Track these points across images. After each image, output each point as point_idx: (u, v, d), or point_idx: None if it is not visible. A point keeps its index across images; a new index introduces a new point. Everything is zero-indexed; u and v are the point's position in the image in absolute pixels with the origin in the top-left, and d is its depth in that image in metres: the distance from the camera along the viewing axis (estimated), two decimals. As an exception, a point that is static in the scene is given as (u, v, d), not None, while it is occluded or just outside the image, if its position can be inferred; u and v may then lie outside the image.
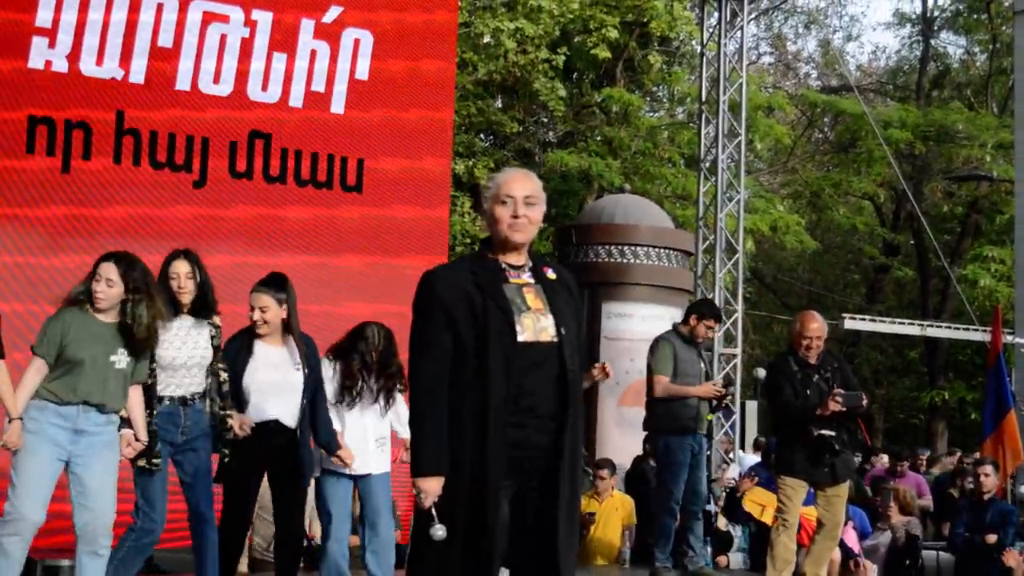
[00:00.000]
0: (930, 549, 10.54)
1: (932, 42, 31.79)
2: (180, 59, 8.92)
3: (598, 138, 23.01)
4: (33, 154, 8.33)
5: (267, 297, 6.35)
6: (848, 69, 31.68)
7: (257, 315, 6.35)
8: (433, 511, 3.94)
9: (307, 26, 9.43)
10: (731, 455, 13.21)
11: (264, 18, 9.25)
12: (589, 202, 20.94)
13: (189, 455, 6.18)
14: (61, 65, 8.48)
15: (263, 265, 8.72)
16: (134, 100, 8.74)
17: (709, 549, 10.15)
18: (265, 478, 6.63)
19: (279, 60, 9.30)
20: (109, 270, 5.63)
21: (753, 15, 27.52)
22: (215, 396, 6.24)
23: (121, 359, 5.70)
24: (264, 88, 9.25)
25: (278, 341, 6.45)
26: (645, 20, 21.67)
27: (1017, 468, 11.88)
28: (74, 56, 8.51)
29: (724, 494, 11.63)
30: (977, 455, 12.18)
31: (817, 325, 7.89)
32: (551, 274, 4.23)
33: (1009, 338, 15.21)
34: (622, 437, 13.20)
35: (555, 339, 4.06)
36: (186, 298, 6.16)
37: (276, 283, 6.44)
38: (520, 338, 4.00)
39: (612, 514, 10.22)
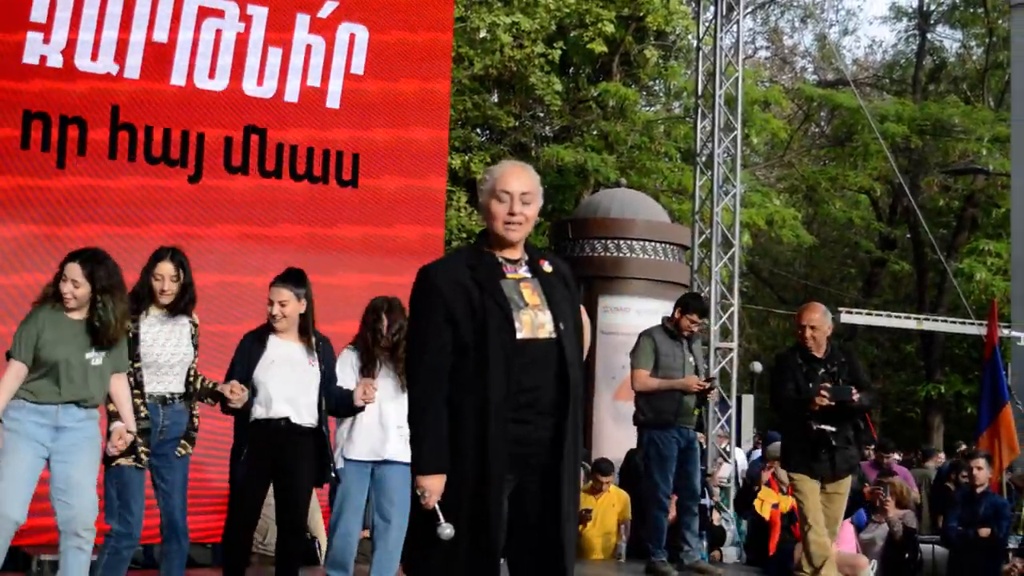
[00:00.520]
0: (926, 543, 10.57)
1: (928, 36, 31.84)
2: (175, 54, 8.90)
3: (594, 132, 23.02)
4: (28, 150, 8.32)
5: (287, 291, 6.32)
6: (844, 63, 31.72)
7: (276, 309, 6.32)
8: (437, 510, 3.92)
9: (302, 21, 9.43)
10: (727, 449, 13.22)
11: (259, 13, 9.24)
12: (585, 196, 20.95)
13: (165, 460, 6.12)
14: (56, 60, 8.47)
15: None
16: (129, 95, 8.73)
17: (705, 543, 10.16)
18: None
19: (274, 55, 9.30)
20: (74, 271, 5.61)
21: (749, 9, 27.50)
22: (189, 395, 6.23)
23: (96, 355, 5.68)
24: (259, 83, 9.25)
25: (294, 336, 6.41)
26: (641, 14, 21.69)
27: (1013, 462, 11.91)
28: (69, 51, 8.50)
29: (738, 486, 11.63)
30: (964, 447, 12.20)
31: (816, 315, 7.76)
32: (547, 267, 4.21)
33: (1005, 332, 15.24)
34: (617, 430, 13.20)
35: (553, 335, 4.05)
36: (167, 299, 6.12)
37: (296, 278, 6.40)
38: (519, 335, 3.99)
39: (608, 510, 10.24)
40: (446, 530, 3.89)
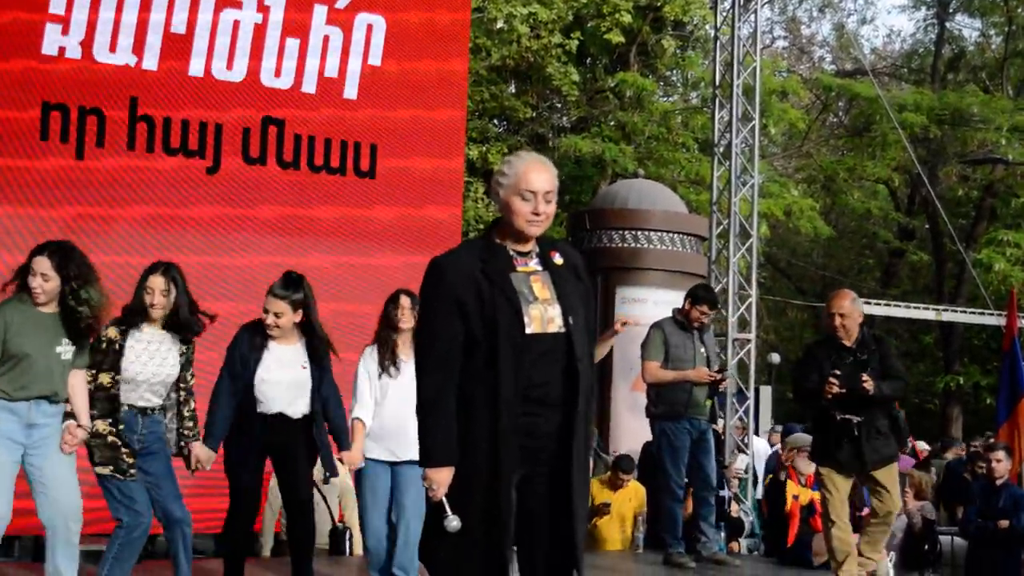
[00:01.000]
0: (944, 534, 10.53)
1: (947, 25, 31.68)
2: (193, 45, 8.93)
3: (611, 123, 22.97)
4: (47, 141, 8.35)
5: (283, 304, 6.31)
6: (862, 52, 31.58)
7: (271, 320, 6.32)
8: (445, 502, 3.93)
9: (320, 11, 9.43)
10: (745, 441, 13.19)
11: (277, 3, 9.25)
12: (602, 187, 20.91)
13: (148, 459, 6.10)
14: (74, 52, 8.49)
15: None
16: (147, 87, 8.75)
17: (723, 535, 10.15)
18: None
19: (292, 46, 9.31)
20: (42, 264, 5.55)
21: (767, -1, 27.43)
22: (177, 414, 6.23)
23: (66, 349, 5.65)
24: (277, 74, 9.26)
25: (290, 340, 6.42)
26: (659, 4, 21.64)
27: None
28: (87, 43, 8.53)
29: (767, 480, 11.57)
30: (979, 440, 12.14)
31: (845, 303, 7.59)
32: (558, 259, 4.19)
33: (1024, 322, 15.14)
34: (635, 422, 13.17)
35: (562, 329, 4.04)
36: (157, 313, 6.07)
37: (292, 286, 6.38)
38: (528, 330, 3.99)
39: (625, 503, 10.23)
40: (453, 522, 3.90)
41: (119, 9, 8.62)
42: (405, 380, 6.54)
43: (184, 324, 6.15)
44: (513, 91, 22.74)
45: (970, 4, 30.87)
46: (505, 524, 3.94)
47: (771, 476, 11.14)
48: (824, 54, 35.42)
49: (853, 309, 7.61)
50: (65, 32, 8.44)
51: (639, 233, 14.78)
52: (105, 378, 5.97)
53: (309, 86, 9.38)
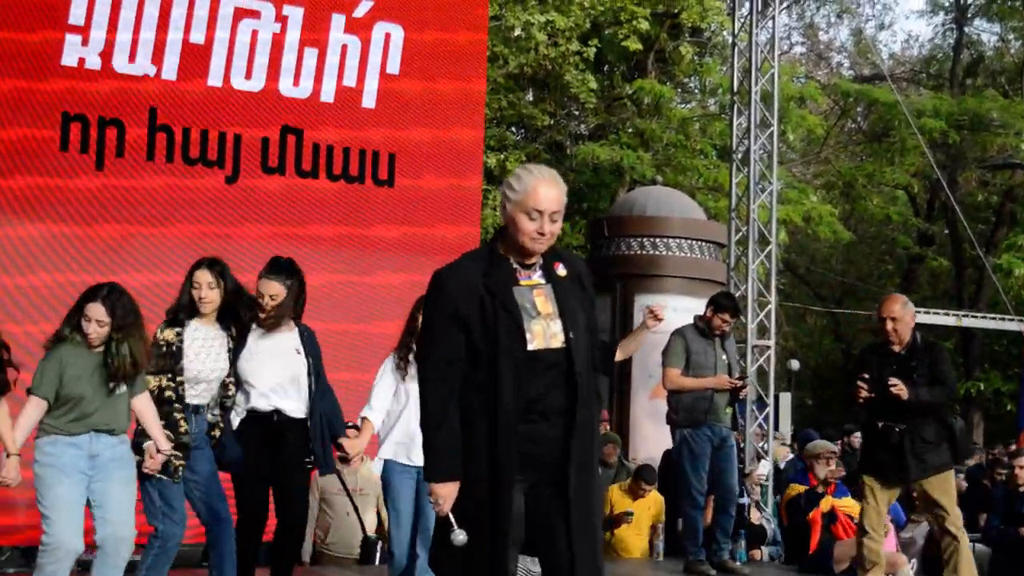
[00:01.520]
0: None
1: (966, 29, 31.56)
2: (212, 55, 8.96)
3: (629, 130, 22.94)
4: (67, 151, 8.39)
5: (278, 284, 6.29)
6: (881, 58, 31.51)
7: (267, 302, 6.28)
8: (450, 517, 3.96)
9: (338, 21, 9.46)
10: (765, 447, 13.15)
11: (295, 13, 9.29)
12: (621, 194, 20.90)
13: (195, 454, 6.12)
14: (94, 62, 8.53)
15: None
16: (166, 97, 8.78)
17: (743, 543, 10.11)
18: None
19: (310, 55, 9.33)
20: (98, 311, 5.64)
21: (785, 4, 27.26)
22: (216, 406, 6.24)
23: (120, 385, 5.74)
24: (296, 83, 9.29)
25: (279, 327, 6.35)
26: (676, 11, 21.61)
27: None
28: (107, 53, 8.57)
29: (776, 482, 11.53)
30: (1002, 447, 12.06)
31: (896, 306, 7.42)
32: (562, 271, 4.18)
33: (1045, 328, 15.08)
34: (655, 429, 13.16)
35: (564, 345, 4.04)
36: (208, 308, 6.11)
37: (287, 269, 6.36)
38: (530, 347, 3.98)
39: (644, 512, 10.22)
40: (459, 536, 3.92)
41: (138, 20, 8.65)
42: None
43: (236, 314, 6.17)
44: (531, 99, 22.74)
45: (988, 9, 30.76)
46: (506, 534, 3.94)
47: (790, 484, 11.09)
48: (842, 60, 35.38)
49: (904, 313, 7.43)
50: (85, 43, 8.48)
51: (658, 240, 14.78)
52: (164, 381, 6.02)
53: (327, 96, 9.39)
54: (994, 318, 22.57)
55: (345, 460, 6.71)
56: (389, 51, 9.66)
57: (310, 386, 6.36)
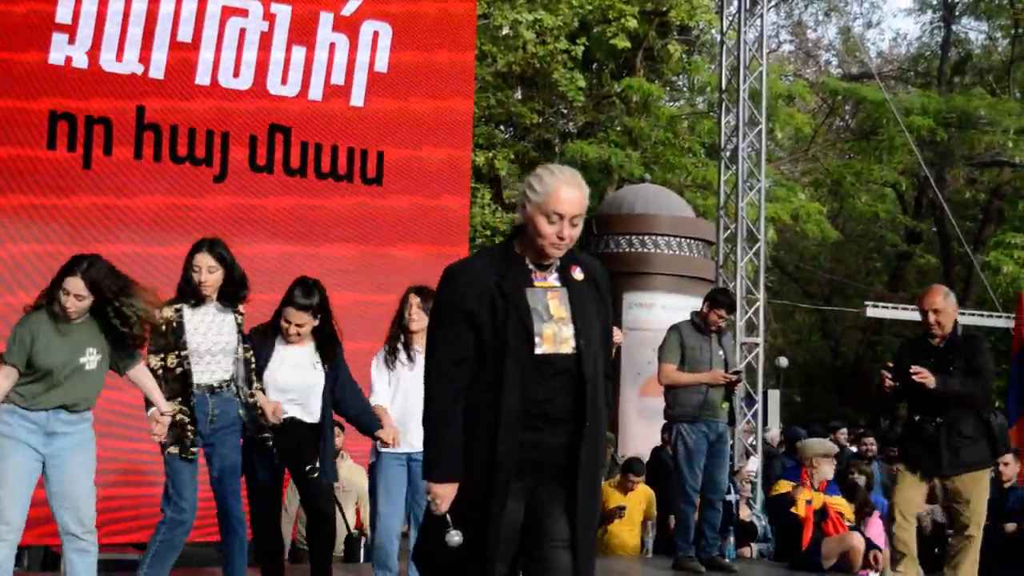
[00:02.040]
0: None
1: (953, 28, 31.66)
2: (200, 53, 8.93)
3: (618, 128, 22.97)
4: (54, 149, 8.37)
5: (306, 315, 6.31)
6: (869, 56, 31.59)
7: (293, 330, 6.33)
8: (448, 517, 3.90)
9: (326, 19, 9.44)
10: (754, 443, 13.18)
11: (283, 11, 9.26)
12: (609, 192, 20.93)
13: (218, 448, 6.12)
14: (81, 60, 8.51)
15: (299, 253, 8.96)
16: (154, 95, 8.76)
17: (732, 539, 10.13)
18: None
19: (298, 53, 9.32)
20: (76, 286, 5.55)
21: (773, 3, 27.37)
22: (242, 384, 6.21)
23: (91, 360, 5.67)
24: (284, 81, 9.27)
25: (303, 341, 6.43)
26: (664, 9, 21.64)
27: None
28: (94, 51, 8.54)
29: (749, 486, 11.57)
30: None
31: (938, 298, 7.18)
32: (578, 274, 4.08)
33: (1033, 324, 15.08)
34: (643, 426, 13.20)
35: (575, 351, 3.95)
36: (208, 290, 6.11)
37: (313, 294, 6.35)
38: (538, 350, 3.91)
39: (635, 507, 10.23)
40: (455, 537, 3.87)
41: (125, 19, 8.62)
42: (419, 371, 6.57)
43: (236, 294, 6.17)
44: (519, 97, 22.74)
45: (976, 7, 30.85)
46: (496, 537, 3.87)
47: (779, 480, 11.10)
48: (830, 58, 35.46)
49: (947, 304, 7.22)
50: (72, 41, 8.46)
51: (646, 238, 14.82)
52: (171, 359, 6.02)
53: (316, 94, 9.38)
54: (982, 315, 22.62)
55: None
56: (377, 49, 9.62)
57: (325, 398, 6.41)
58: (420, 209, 9.70)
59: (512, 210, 20.43)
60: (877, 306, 23.22)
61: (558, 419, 3.92)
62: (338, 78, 9.48)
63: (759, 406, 13.30)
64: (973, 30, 32.58)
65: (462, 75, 10.25)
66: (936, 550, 9.96)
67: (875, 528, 9.61)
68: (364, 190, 9.52)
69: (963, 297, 28.08)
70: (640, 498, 10.28)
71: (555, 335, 3.94)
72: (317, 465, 6.41)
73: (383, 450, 6.55)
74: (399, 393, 6.57)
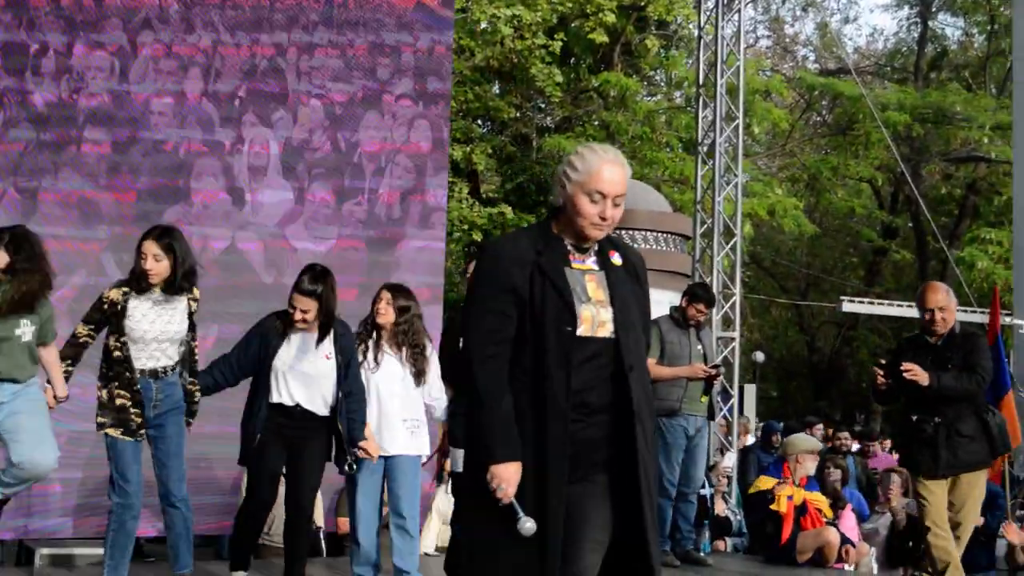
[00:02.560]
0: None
1: (930, 24, 31.83)
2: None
3: (595, 123, 23.01)
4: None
5: (311, 301, 6.29)
6: (846, 51, 31.67)
7: (299, 315, 6.31)
8: (515, 503, 3.57)
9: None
10: (730, 439, 13.22)
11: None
12: (587, 186, 20.90)
13: (161, 431, 6.11)
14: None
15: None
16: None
17: (707, 534, 10.15)
18: None
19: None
20: None
21: (750, -2, 27.50)
22: (184, 370, 6.21)
23: (26, 331, 5.78)
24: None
25: (311, 328, 6.40)
26: (642, 4, 21.69)
27: (1015, 451, 11.89)
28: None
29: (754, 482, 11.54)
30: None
31: (940, 296, 7.12)
32: (617, 259, 3.93)
33: (1007, 320, 15.21)
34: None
35: (612, 335, 3.76)
36: (154, 279, 6.04)
37: (318, 281, 6.34)
38: (578, 332, 3.70)
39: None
40: (527, 524, 3.53)
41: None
42: (386, 374, 6.61)
43: (182, 287, 6.11)
44: (497, 91, 22.75)
45: (953, 3, 31.03)
46: (555, 531, 3.60)
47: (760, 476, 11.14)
48: (807, 53, 35.57)
49: (950, 301, 7.18)
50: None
51: (623, 232, 14.82)
52: (112, 341, 6.03)
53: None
54: (957, 310, 22.74)
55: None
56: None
57: (336, 387, 6.40)
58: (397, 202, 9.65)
59: (489, 204, 20.44)
60: (853, 301, 23.32)
61: (595, 410, 3.72)
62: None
63: (735, 401, 13.34)
64: (949, 26, 32.83)
65: (441, 69, 10.20)
66: (910, 544, 10.00)
67: (848, 522, 9.64)
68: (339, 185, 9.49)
69: (938, 292, 28.24)
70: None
71: (593, 317, 3.76)
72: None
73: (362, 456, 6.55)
74: (372, 401, 6.56)
